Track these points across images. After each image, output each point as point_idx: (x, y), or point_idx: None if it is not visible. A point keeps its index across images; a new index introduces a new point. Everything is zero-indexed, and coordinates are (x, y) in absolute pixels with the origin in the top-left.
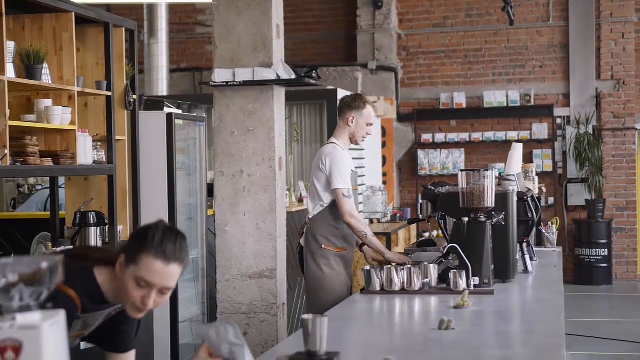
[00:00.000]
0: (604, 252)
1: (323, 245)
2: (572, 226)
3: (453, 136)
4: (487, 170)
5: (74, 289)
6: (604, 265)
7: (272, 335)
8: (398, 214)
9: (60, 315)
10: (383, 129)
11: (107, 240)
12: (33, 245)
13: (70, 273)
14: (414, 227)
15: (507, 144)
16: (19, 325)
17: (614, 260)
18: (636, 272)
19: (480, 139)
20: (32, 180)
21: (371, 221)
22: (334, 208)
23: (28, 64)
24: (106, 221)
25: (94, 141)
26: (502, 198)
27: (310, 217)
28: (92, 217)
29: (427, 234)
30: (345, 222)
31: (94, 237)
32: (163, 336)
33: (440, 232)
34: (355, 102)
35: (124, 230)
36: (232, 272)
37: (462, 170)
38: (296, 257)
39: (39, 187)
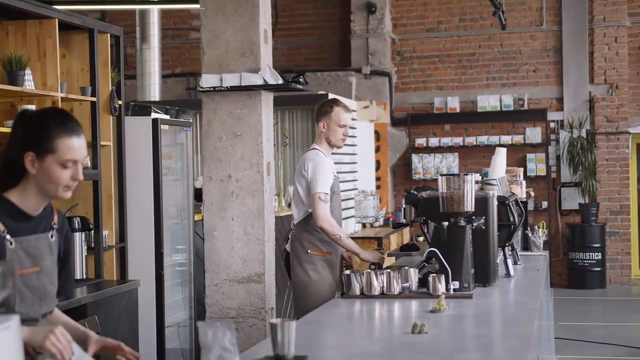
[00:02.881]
0: (597, 255)
1: (309, 250)
2: (566, 230)
3: (447, 140)
4: (467, 174)
5: None
6: (598, 269)
7: (261, 339)
8: (391, 219)
9: (14, 320)
10: (377, 134)
11: (92, 245)
12: None
13: None
14: (407, 231)
15: (496, 148)
16: None
17: (607, 264)
18: (630, 276)
19: (474, 143)
20: None
21: (363, 225)
22: None
23: (10, 70)
24: (91, 226)
25: None
26: (482, 202)
27: (295, 222)
28: (76, 223)
29: (421, 239)
30: (318, 227)
31: (79, 242)
32: (149, 341)
33: None
34: (323, 107)
35: (109, 236)
36: (221, 276)
37: (442, 175)
38: (283, 262)
39: None
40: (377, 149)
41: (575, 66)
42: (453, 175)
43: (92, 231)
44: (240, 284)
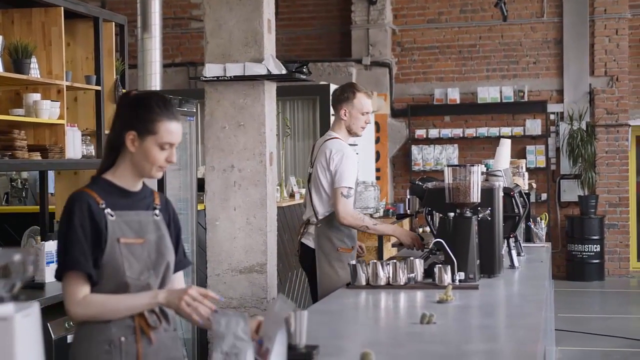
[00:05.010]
0: (596, 248)
1: (339, 249)
2: (565, 222)
3: (447, 132)
4: (473, 165)
5: (86, 188)
6: (596, 261)
7: None
8: (391, 210)
9: (34, 308)
10: (377, 125)
11: None
12: (24, 239)
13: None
14: (406, 222)
15: (500, 140)
16: None
17: (606, 256)
18: (628, 268)
19: (474, 135)
20: (25, 174)
21: None
22: None
23: (16, 58)
24: None
25: (83, 135)
26: (488, 193)
27: (320, 217)
28: None
29: (421, 230)
30: (340, 224)
31: None
32: None
33: None
34: (344, 93)
35: None
36: (223, 266)
37: (448, 166)
38: (287, 255)
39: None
40: (377, 140)
41: (576, 58)
42: (459, 166)
43: None
44: (242, 274)
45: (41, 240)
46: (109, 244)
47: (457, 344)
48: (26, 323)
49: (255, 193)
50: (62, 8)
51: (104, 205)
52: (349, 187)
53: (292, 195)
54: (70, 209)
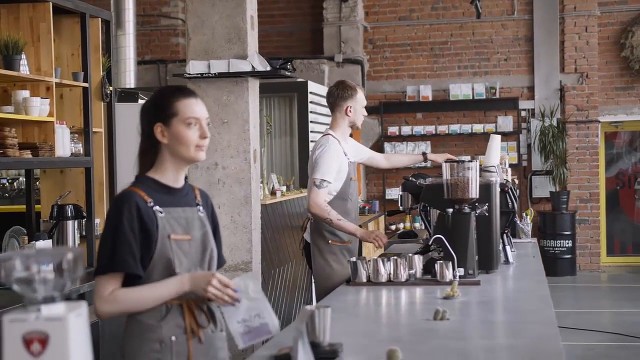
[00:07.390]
0: (568, 243)
1: (330, 241)
2: (537, 218)
3: (419, 129)
4: (472, 161)
5: (132, 187)
6: (568, 256)
7: None
8: (366, 207)
9: (83, 307)
10: None
11: (84, 233)
12: (5, 240)
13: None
14: (382, 219)
15: (472, 136)
16: (45, 316)
17: (577, 252)
18: (599, 263)
19: (447, 132)
20: (13, 172)
21: None
22: (337, 202)
23: (6, 55)
24: (84, 214)
25: (71, 133)
26: (485, 189)
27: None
28: (69, 210)
29: (393, 227)
30: (309, 213)
31: (72, 230)
32: None
33: (409, 224)
34: (347, 91)
35: (101, 224)
36: None
37: (446, 162)
38: (270, 253)
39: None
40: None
41: (546, 55)
42: (457, 162)
43: (85, 219)
44: (227, 273)
45: (28, 241)
46: (159, 241)
47: (477, 339)
48: (78, 322)
49: (239, 191)
50: (51, 3)
51: (152, 203)
52: (322, 179)
53: (273, 193)
54: (119, 209)
